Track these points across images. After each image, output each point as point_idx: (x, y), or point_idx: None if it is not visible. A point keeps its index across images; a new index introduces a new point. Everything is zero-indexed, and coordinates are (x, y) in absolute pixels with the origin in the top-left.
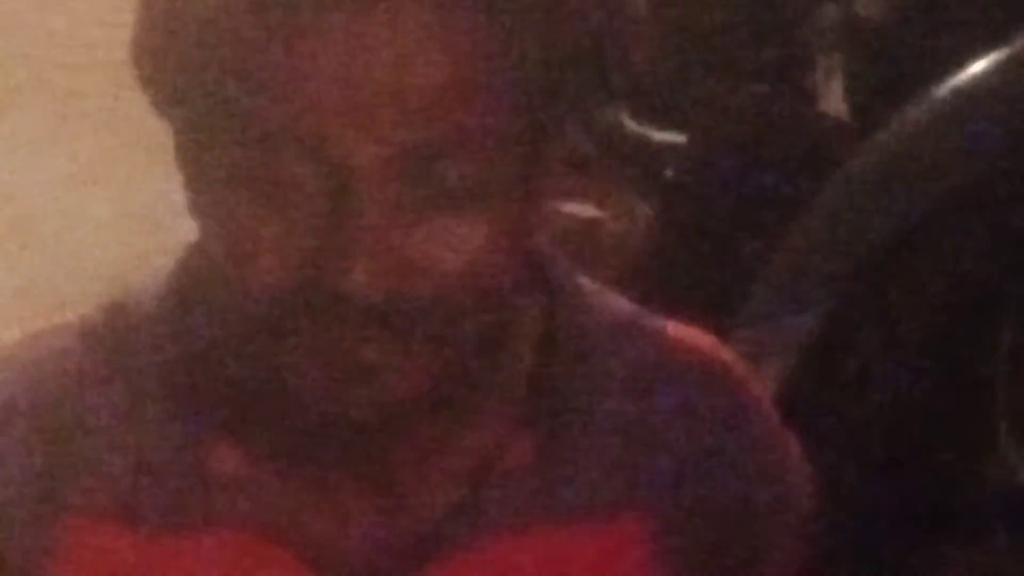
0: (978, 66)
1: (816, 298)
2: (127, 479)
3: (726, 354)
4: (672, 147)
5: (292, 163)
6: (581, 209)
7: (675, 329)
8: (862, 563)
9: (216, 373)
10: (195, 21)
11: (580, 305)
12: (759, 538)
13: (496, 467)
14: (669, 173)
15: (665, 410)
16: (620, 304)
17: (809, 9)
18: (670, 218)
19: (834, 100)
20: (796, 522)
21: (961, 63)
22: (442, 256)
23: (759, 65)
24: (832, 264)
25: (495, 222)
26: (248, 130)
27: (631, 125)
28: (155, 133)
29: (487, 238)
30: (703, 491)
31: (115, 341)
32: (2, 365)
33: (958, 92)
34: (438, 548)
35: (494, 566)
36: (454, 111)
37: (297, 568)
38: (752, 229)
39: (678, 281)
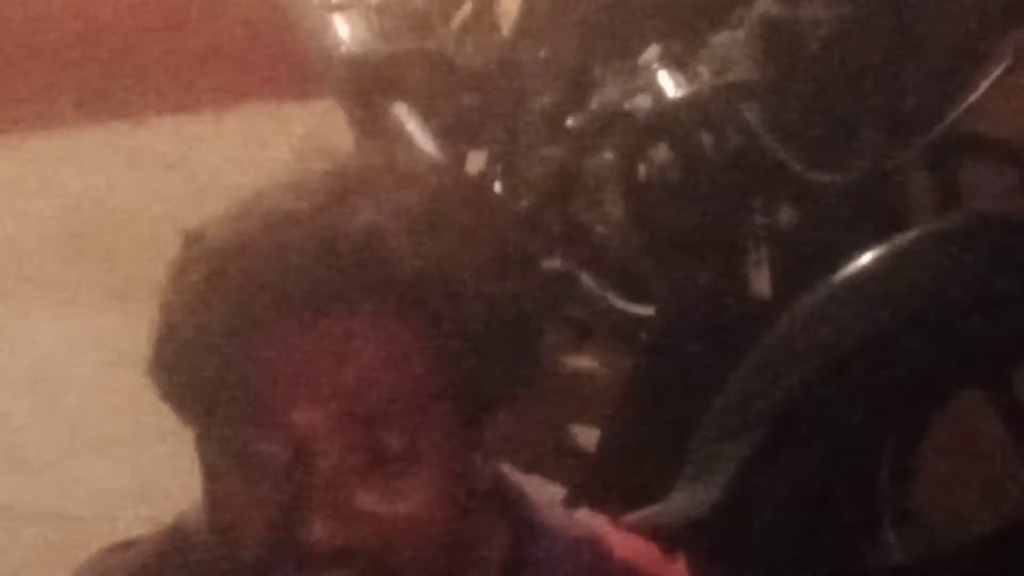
0: (863, 260)
1: (746, 426)
2: None
3: (659, 565)
4: (644, 318)
5: (262, 441)
6: (579, 361)
7: (620, 545)
8: None
9: None
10: (190, 342)
11: (544, 533)
12: None
13: None
14: (644, 337)
15: None
16: (576, 524)
17: (742, 219)
18: (645, 373)
19: (762, 284)
20: None
21: (851, 259)
22: (390, 509)
23: (707, 257)
24: (754, 406)
25: (438, 478)
26: (232, 421)
27: (613, 298)
28: None
29: (431, 492)
30: None
31: None
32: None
33: (847, 280)
34: None
35: None
36: (387, 390)
37: None
38: (707, 383)
39: (655, 421)
